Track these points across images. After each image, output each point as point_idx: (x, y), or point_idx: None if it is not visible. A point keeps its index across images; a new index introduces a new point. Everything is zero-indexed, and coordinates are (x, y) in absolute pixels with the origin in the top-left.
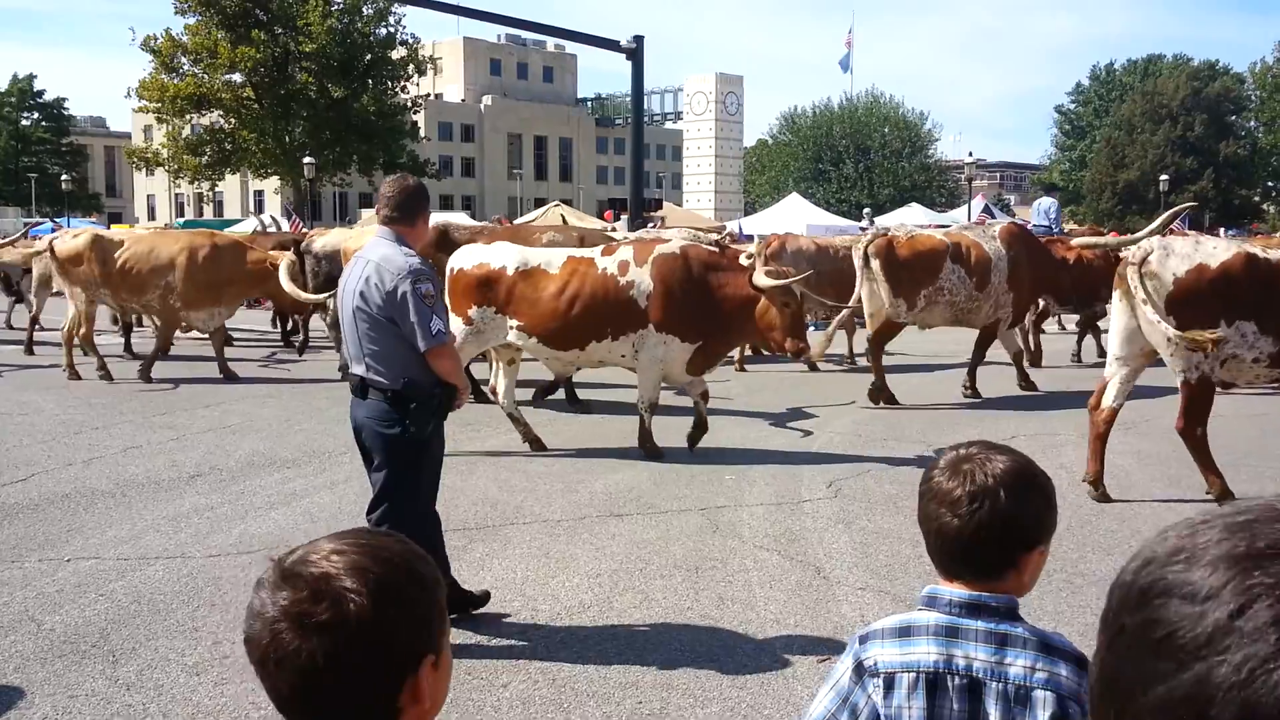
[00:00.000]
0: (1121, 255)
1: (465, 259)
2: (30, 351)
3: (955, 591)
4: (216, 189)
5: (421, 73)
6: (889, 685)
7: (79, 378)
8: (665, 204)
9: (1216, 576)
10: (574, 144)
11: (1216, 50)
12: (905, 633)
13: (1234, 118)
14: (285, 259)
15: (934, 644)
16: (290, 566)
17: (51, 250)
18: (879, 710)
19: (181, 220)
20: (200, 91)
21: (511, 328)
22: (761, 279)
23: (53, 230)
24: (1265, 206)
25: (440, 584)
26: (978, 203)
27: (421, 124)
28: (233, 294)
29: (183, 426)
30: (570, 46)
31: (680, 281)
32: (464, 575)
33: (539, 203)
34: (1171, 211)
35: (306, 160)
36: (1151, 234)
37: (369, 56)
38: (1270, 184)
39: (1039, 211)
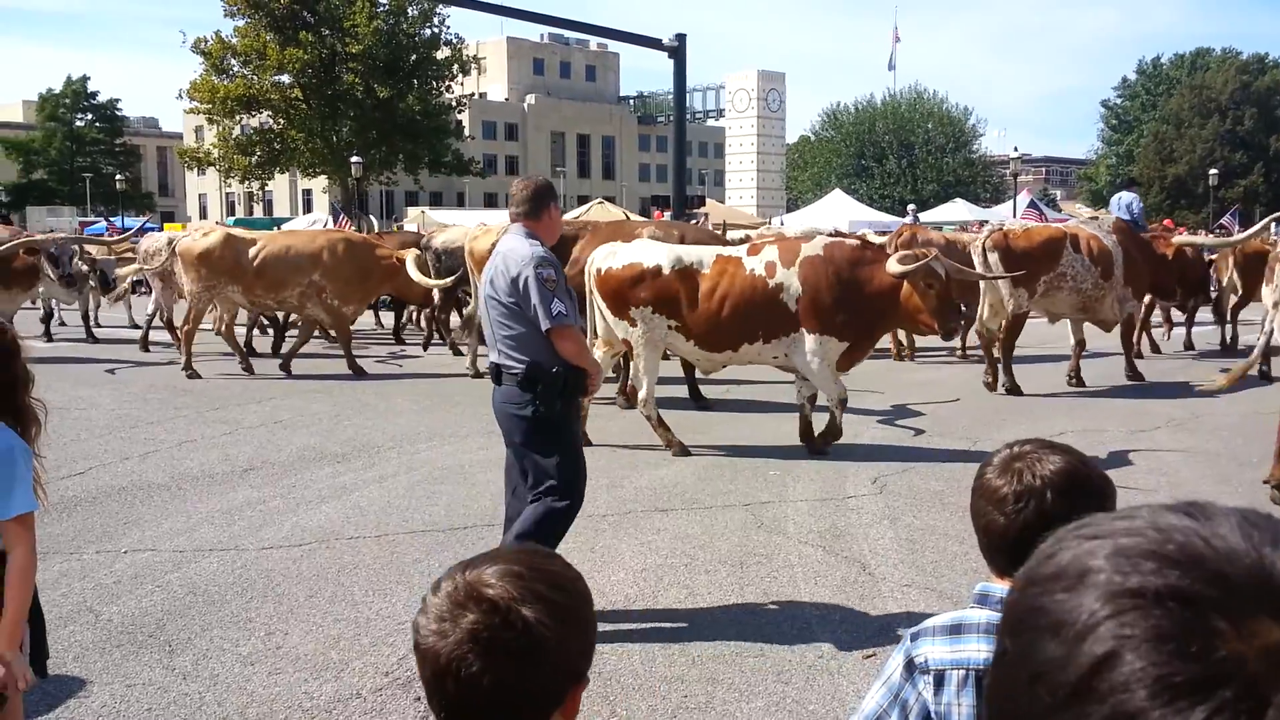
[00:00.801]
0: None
1: (612, 258)
2: (146, 348)
3: (1006, 589)
4: (266, 188)
5: (466, 72)
6: (939, 682)
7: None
8: (708, 200)
9: (1090, 615)
10: (617, 142)
11: (1266, 44)
12: (956, 630)
13: None
14: (411, 253)
15: (985, 642)
16: (474, 586)
17: (175, 247)
18: (929, 707)
19: (233, 219)
20: (250, 93)
21: (670, 327)
22: (894, 265)
23: (105, 230)
24: None
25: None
26: (1023, 198)
27: (466, 123)
28: (368, 290)
29: (235, 421)
30: (613, 45)
31: (828, 282)
32: None
33: (582, 200)
34: (1272, 217)
35: (354, 160)
36: (1253, 235)
37: (414, 57)
38: None
39: (1119, 206)
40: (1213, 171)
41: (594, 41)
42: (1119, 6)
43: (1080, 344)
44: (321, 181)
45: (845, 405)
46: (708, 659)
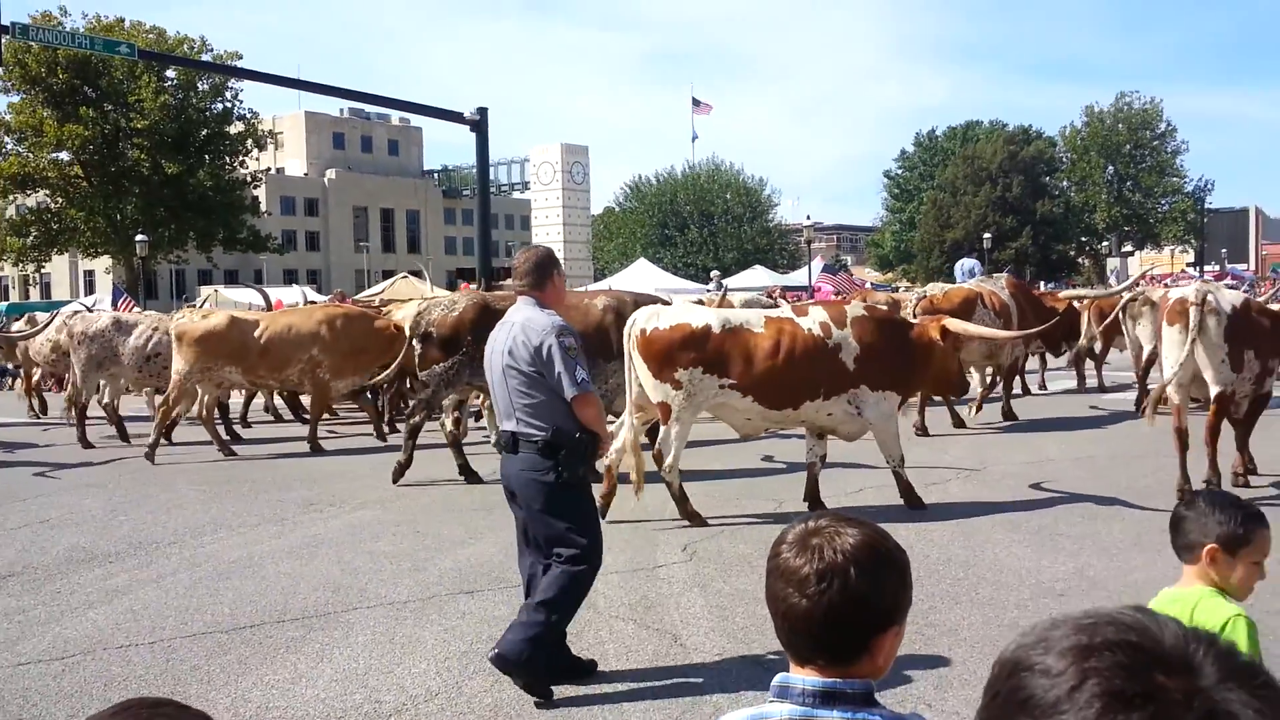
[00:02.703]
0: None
1: (657, 320)
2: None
3: (808, 680)
4: (43, 270)
5: (261, 147)
6: None
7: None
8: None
9: (1063, 662)
10: (421, 215)
11: (1029, 116)
12: None
13: (1048, 178)
14: (408, 319)
15: None
16: None
17: (178, 329)
18: None
19: (5, 304)
20: (25, 171)
21: (723, 386)
22: (962, 325)
23: None
24: (1080, 260)
25: None
26: (817, 264)
27: (263, 198)
28: (365, 361)
29: None
30: (415, 119)
31: (880, 340)
32: (301, 669)
33: (387, 275)
34: (1142, 272)
35: (139, 238)
36: (1126, 289)
37: (205, 132)
38: (1083, 239)
39: (962, 272)
40: (986, 235)
41: (395, 115)
42: (898, 80)
43: (987, 384)
44: (105, 261)
45: (904, 463)
46: None
